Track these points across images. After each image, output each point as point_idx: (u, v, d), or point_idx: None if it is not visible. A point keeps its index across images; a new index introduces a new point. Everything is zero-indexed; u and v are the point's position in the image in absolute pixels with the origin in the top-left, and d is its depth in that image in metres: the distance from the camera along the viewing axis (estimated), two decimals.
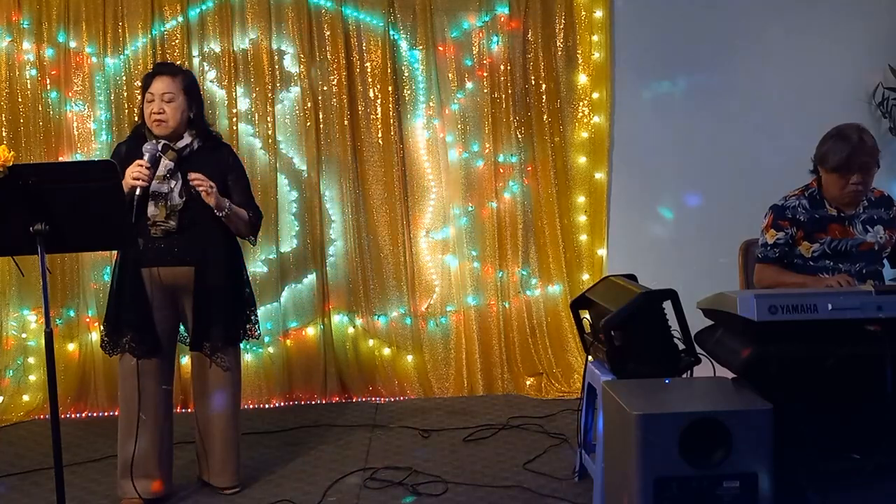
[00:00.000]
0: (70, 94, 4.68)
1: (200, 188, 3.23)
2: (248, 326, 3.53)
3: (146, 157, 3.23)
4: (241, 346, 3.63)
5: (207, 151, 3.39)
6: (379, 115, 4.79)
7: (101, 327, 3.45)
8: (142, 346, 3.32)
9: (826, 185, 3.32)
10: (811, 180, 3.41)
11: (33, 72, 4.66)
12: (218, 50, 4.71)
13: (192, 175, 3.25)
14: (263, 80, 4.71)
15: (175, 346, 3.52)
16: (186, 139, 3.35)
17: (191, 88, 3.38)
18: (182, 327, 3.51)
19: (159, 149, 3.28)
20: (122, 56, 4.66)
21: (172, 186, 3.29)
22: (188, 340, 3.49)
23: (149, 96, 3.32)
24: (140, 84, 3.55)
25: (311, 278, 4.83)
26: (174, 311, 3.42)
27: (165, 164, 3.29)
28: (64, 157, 4.64)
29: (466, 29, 4.81)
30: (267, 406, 4.74)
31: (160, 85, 3.31)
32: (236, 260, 3.51)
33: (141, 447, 3.34)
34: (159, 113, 3.29)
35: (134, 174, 3.19)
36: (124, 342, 3.33)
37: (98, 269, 4.72)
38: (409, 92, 4.81)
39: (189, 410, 4.31)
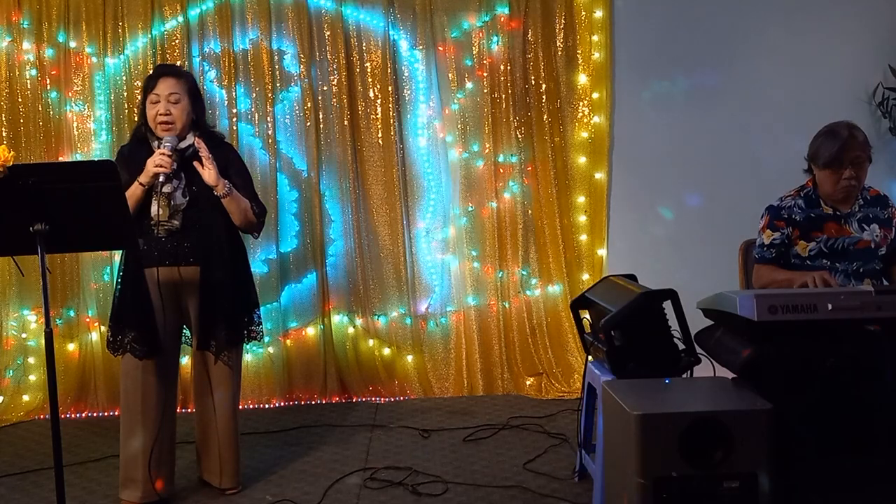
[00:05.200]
0: (70, 94, 4.68)
1: (201, 152, 3.23)
2: (251, 328, 3.52)
3: (167, 146, 3.22)
4: (244, 346, 3.63)
5: (210, 151, 3.38)
6: (379, 115, 4.79)
7: (108, 326, 3.45)
8: (143, 346, 3.31)
9: (820, 182, 3.34)
10: (807, 180, 3.42)
11: (33, 72, 4.67)
12: (218, 50, 4.71)
13: (198, 140, 3.27)
14: (263, 80, 4.71)
15: (179, 347, 3.51)
16: (189, 140, 3.34)
17: (193, 90, 3.39)
18: (185, 328, 3.51)
19: (175, 144, 3.28)
20: (122, 56, 4.66)
21: (176, 186, 3.29)
22: (192, 340, 3.47)
23: (153, 97, 3.30)
24: (141, 85, 3.55)
25: (311, 278, 4.83)
26: (178, 311, 3.41)
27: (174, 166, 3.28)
28: (64, 157, 4.64)
29: (466, 29, 4.81)
30: (267, 406, 4.74)
31: (165, 86, 3.29)
32: (241, 259, 3.51)
33: (141, 449, 3.34)
34: (166, 115, 3.27)
35: (157, 162, 3.18)
36: (126, 342, 3.33)
37: (98, 269, 4.72)
38: (409, 92, 4.81)
39: (189, 410, 4.31)
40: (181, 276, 3.33)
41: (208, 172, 3.26)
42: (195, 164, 3.28)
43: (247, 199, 3.42)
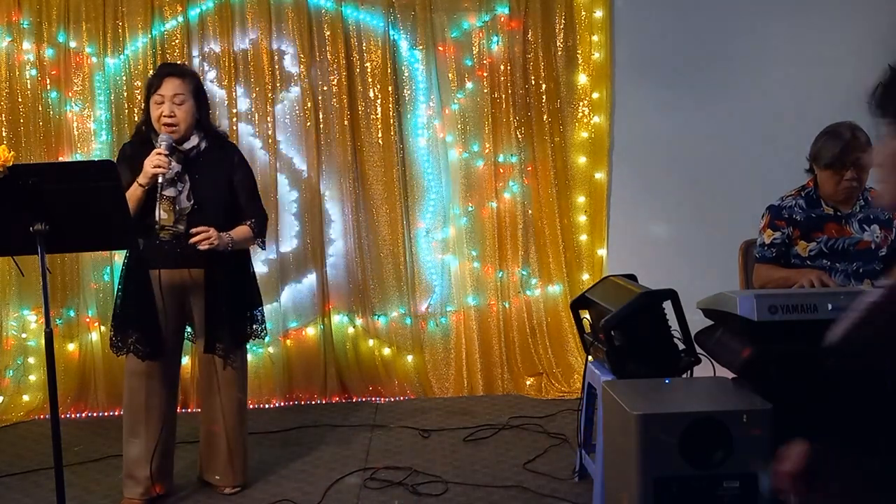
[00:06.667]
0: (70, 94, 4.68)
1: (204, 247, 3.21)
2: (254, 327, 3.53)
3: (163, 146, 3.19)
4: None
5: (214, 151, 3.38)
6: (379, 115, 4.79)
7: (110, 326, 3.45)
8: (147, 347, 3.32)
9: (821, 183, 3.34)
10: (808, 180, 3.42)
11: (33, 72, 4.66)
12: (218, 50, 4.71)
13: (194, 234, 3.23)
14: (263, 80, 4.71)
15: (181, 348, 3.51)
16: (193, 140, 3.32)
17: (198, 90, 3.35)
18: (188, 329, 3.51)
19: (171, 142, 3.26)
20: (122, 56, 4.66)
21: (180, 189, 3.27)
22: (199, 343, 3.46)
23: (157, 98, 3.26)
24: (144, 84, 3.54)
25: (311, 278, 4.83)
26: (181, 312, 3.41)
27: (173, 166, 3.26)
28: (64, 157, 4.64)
29: (466, 29, 4.81)
30: (267, 406, 4.74)
31: (170, 87, 3.26)
32: (244, 260, 3.51)
33: (144, 448, 3.34)
34: (170, 116, 3.24)
35: (154, 163, 3.15)
36: (130, 343, 3.33)
37: (98, 269, 4.72)
38: (409, 92, 4.81)
39: (189, 411, 4.32)
40: (186, 278, 3.33)
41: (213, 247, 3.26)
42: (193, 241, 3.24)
43: (248, 208, 3.42)
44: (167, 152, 3.19)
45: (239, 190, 3.42)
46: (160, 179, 3.16)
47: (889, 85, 1.30)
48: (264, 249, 3.67)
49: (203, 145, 3.35)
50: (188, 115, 3.28)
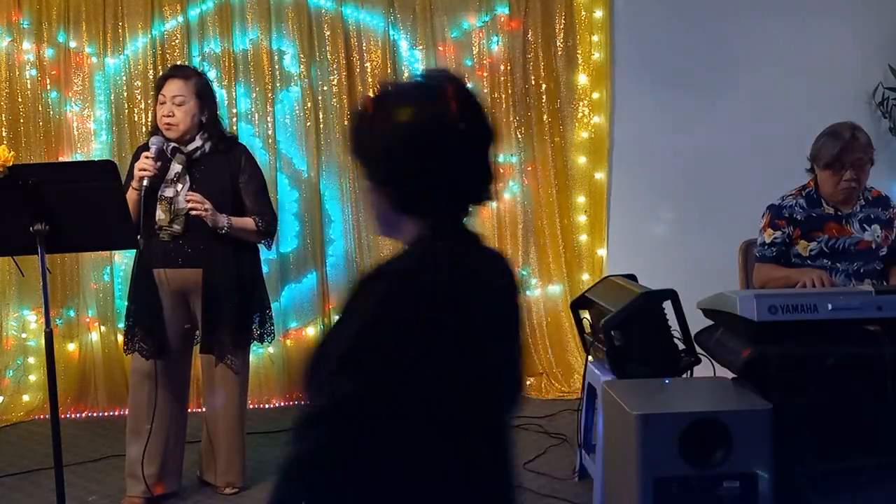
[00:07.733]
0: (70, 94, 4.67)
1: (195, 212, 3.23)
2: (262, 329, 3.52)
3: (152, 149, 3.24)
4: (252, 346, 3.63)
5: (220, 154, 3.38)
6: None
7: (124, 328, 3.48)
8: (150, 346, 3.32)
9: (821, 183, 3.34)
10: (808, 180, 3.42)
11: (33, 72, 4.66)
12: (218, 50, 4.71)
13: (189, 196, 3.25)
14: (263, 80, 4.71)
15: (190, 348, 3.51)
16: (197, 142, 3.34)
17: (203, 92, 3.36)
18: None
19: (167, 146, 3.28)
20: (122, 56, 4.65)
21: (179, 190, 3.28)
22: (200, 341, 3.48)
23: (160, 98, 3.32)
24: (144, 84, 3.55)
25: (311, 278, 4.82)
26: (187, 313, 3.42)
27: (174, 167, 3.29)
28: (64, 157, 4.64)
29: (466, 29, 4.81)
30: (267, 406, 4.74)
31: (172, 88, 3.30)
32: (248, 261, 3.47)
33: (145, 446, 3.34)
34: (169, 116, 3.28)
35: (140, 166, 3.20)
36: (135, 341, 3.35)
37: (98, 269, 4.71)
38: None
39: (190, 410, 4.31)
40: (185, 278, 3.34)
41: (208, 221, 3.26)
42: (187, 198, 3.26)
43: (255, 210, 3.41)
44: (154, 155, 3.22)
45: (244, 190, 3.42)
46: (145, 182, 3.19)
47: (353, 131, 1.46)
48: (270, 249, 3.67)
49: (207, 147, 3.35)
50: (187, 115, 3.30)
